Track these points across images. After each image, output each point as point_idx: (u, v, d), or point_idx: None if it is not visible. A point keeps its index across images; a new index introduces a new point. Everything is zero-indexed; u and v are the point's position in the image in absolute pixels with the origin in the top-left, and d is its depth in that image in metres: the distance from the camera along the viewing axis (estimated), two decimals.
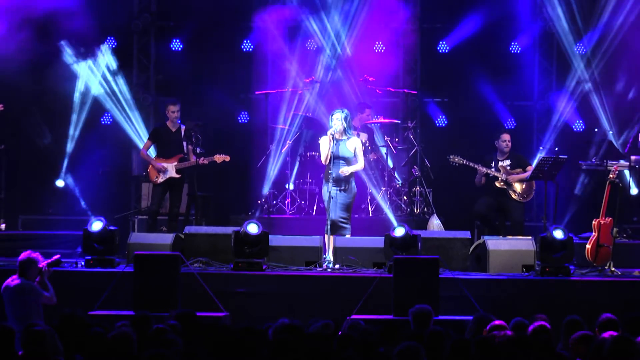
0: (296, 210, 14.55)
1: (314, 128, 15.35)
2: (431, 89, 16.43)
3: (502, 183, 13.41)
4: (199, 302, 10.67)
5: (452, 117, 16.49)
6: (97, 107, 16.16)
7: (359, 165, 12.24)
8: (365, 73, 15.42)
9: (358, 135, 14.17)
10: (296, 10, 16.28)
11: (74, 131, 16.04)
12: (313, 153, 14.58)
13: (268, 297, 11.21)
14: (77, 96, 16.05)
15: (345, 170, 12.06)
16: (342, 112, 12.20)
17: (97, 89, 16.07)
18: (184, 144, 13.77)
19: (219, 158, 13.70)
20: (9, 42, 15.24)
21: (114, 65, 16.20)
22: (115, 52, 16.38)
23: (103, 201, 15.76)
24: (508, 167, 13.49)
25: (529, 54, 16.24)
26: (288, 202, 14.66)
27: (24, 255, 9.90)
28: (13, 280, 9.79)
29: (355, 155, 12.18)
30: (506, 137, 13.64)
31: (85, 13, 15.75)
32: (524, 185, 13.46)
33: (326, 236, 11.99)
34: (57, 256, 10.15)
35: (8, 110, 14.74)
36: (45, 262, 9.92)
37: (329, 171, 12.01)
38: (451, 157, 13.44)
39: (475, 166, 13.41)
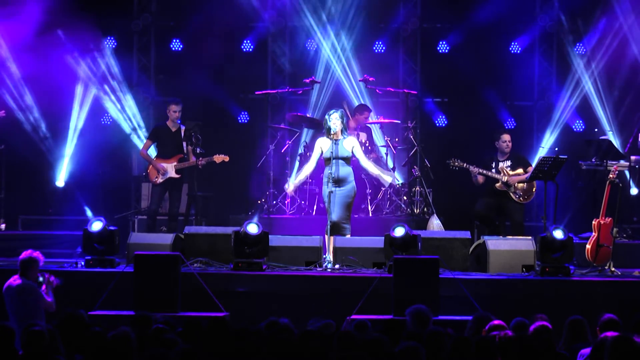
0: (296, 210, 14.55)
1: (313, 128, 15.37)
2: (431, 89, 16.43)
3: (502, 185, 13.40)
4: (199, 302, 10.67)
5: (452, 117, 16.49)
6: (97, 107, 16.17)
7: (371, 166, 12.40)
8: (365, 73, 15.44)
9: (358, 135, 14.19)
10: (296, 11, 16.29)
11: (74, 131, 16.05)
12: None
13: (268, 297, 11.21)
14: (77, 96, 16.05)
15: (378, 172, 12.30)
16: (338, 112, 12.23)
17: (97, 90, 16.08)
18: (184, 144, 13.78)
19: (218, 158, 13.71)
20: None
21: (114, 65, 16.21)
22: (115, 52, 16.39)
23: (103, 201, 15.76)
24: (508, 168, 13.48)
25: (529, 54, 16.24)
26: (288, 202, 14.65)
27: (25, 254, 9.91)
28: (15, 280, 9.80)
29: (353, 155, 12.21)
30: (506, 137, 13.62)
31: (85, 13, 15.75)
32: (525, 186, 13.45)
33: (326, 236, 11.99)
34: (59, 282, 10.10)
35: (8, 111, 14.77)
36: (53, 281, 9.90)
37: (329, 171, 12.02)
38: (451, 161, 13.42)
39: (469, 167, 13.40)
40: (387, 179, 12.52)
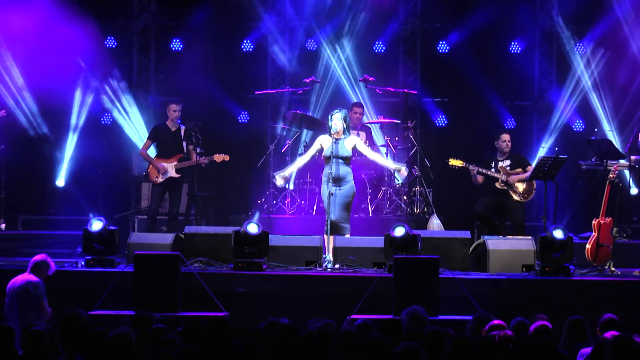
0: (296, 210, 14.55)
1: (314, 128, 15.37)
2: (431, 89, 16.43)
3: (502, 184, 13.40)
4: (199, 302, 10.67)
5: (452, 117, 16.50)
6: (97, 107, 16.17)
7: (379, 157, 12.70)
8: (365, 73, 15.44)
9: (358, 134, 14.19)
10: (296, 10, 16.30)
11: (74, 131, 16.05)
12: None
13: (268, 297, 11.21)
14: (77, 96, 16.05)
15: (399, 168, 12.47)
16: (341, 111, 12.24)
17: (97, 90, 16.08)
18: (184, 144, 13.79)
19: (218, 157, 13.72)
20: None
21: (114, 65, 16.21)
22: (115, 52, 16.39)
23: (103, 201, 15.76)
24: (508, 168, 13.48)
25: (529, 54, 16.24)
26: (288, 202, 14.66)
27: (40, 257, 9.97)
28: (21, 277, 9.84)
29: (354, 154, 12.23)
30: (506, 137, 13.63)
31: (86, 13, 15.76)
32: (525, 186, 13.45)
33: (326, 236, 11.99)
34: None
35: (8, 110, 14.78)
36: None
37: (329, 170, 12.03)
38: (450, 160, 13.42)
39: (469, 166, 13.40)
40: (397, 168, 12.55)
